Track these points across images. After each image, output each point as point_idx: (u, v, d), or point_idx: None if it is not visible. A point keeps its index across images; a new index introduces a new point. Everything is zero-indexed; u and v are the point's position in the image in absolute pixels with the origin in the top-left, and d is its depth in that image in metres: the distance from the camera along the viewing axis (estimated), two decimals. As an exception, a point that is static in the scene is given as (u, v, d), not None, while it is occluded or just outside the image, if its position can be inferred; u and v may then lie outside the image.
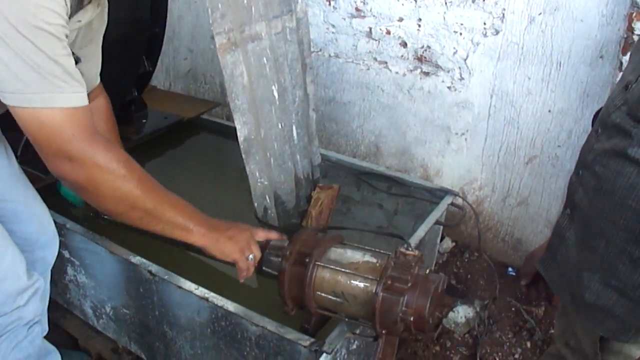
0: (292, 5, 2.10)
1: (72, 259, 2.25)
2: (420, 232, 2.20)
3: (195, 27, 3.79)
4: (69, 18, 1.40)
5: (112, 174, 1.39)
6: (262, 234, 1.74)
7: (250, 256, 1.67)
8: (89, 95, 1.82)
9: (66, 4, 1.30)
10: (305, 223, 2.21)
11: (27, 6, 1.21)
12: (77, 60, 1.62)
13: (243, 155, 1.91)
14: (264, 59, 1.94)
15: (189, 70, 4.00)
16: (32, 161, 2.09)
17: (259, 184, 1.99)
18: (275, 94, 2.00)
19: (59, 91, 1.30)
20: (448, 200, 2.47)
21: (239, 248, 1.64)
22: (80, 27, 1.56)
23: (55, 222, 2.10)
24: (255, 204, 2.03)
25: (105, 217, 2.10)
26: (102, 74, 1.95)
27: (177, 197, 1.56)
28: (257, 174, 1.97)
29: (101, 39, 1.83)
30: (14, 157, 1.99)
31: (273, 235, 1.78)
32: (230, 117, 3.76)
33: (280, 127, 2.04)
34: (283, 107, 2.05)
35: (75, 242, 2.19)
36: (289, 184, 2.14)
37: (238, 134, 1.88)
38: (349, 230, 2.04)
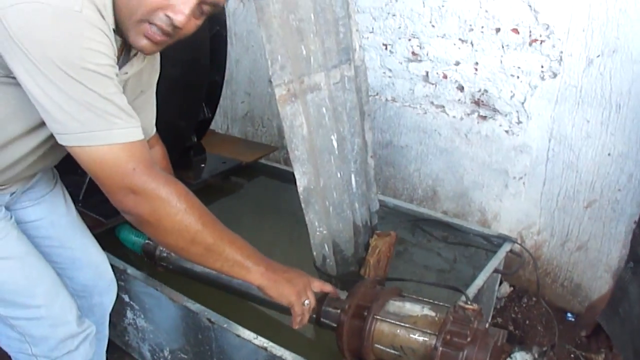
0: (351, 53, 2.11)
1: (131, 303, 2.28)
2: (479, 281, 2.18)
3: (252, 71, 3.84)
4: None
5: (173, 207, 1.39)
6: (317, 284, 1.72)
7: (307, 302, 1.64)
8: None
9: (113, 45, 1.32)
10: (363, 271, 2.19)
11: (74, 49, 1.22)
12: None
13: (302, 205, 1.92)
14: (323, 109, 1.95)
15: (247, 113, 4.04)
16: (94, 205, 2.13)
17: (318, 233, 1.98)
18: (335, 143, 2.01)
19: (115, 127, 1.31)
20: (507, 247, 2.44)
21: (296, 291, 1.62)
22: (127, 79, 1.58)
23: (115, 267, 2.14)
24: (314, 253, 2.03)
25: (163, 264, 2.13)
26: (162, 121, 1.97)
27: (237, 235, 1.55)
28: (317, 223, 1.96)
29: (154, 88, 1.86)
30: (72, 204, 2.02)
31: (328, 288, 1.76)
32: (287, 161, 3.83)
33: (339, 176, 2.04)
34: (342, 156, 2.05)
35: (135, 287, 2.22)
36: (348, 232, 2.14)
37: (297, 184, 1.88)
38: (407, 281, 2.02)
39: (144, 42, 1.38)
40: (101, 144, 1.30)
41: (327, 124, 1.97)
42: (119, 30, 1.39)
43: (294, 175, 2.80)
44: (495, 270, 2.32)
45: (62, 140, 1.31)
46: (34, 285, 1.72)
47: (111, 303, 2.13)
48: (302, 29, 1.86)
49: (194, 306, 1.96)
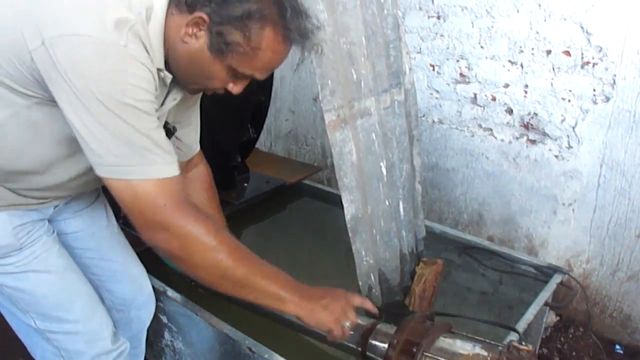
0: (401, 77, 2.06)
1: (169, 324, 2.26)
2: (529, 315, 2.12)
3: (297, 89, 3.82)
4: (163, 97, 1.49)
5: (203, 245, 1.40)
6: (358, 300, 1.69)
7: (347, 324, 1.62)
8: (189, 162, 1.91)
9: (155, 79, 1.34)
10: (408, 301, 2.14)
11: (116, 84, 1.24)
12: (173, 130, 1.68)
13: (350, 234, 1.87)
14: (373, 134, 1.90)
15: (290, 131, 4.03)
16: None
17: (365, 262, 1.93)
18: (384, 170, 1.96)
19: (151, 163, 1.32)
20: (557, 279, 2.37)
21: (334, 318, 1.59)
22: (174, 105, 1.60)
23: (155, 289, 2.13)
24: (360, 283, 1.98)
25: (205, 285, 2.10)
26: (207, 141, 1.97)
27: (271, 266, 1.54)
28: (363, 252, 1.92)
29: (198, 104, 1.87)
30: (113, 218, 2.04)
31: (368, 305, 1.73)
32: (330, 181, 3.81)
33: (387, 203, 1.99)
34: (390, 182, 2.00)
35: (174, 309, 2.19)
36: (394, 261, 2.08)
37: (345, 212, 1.84)
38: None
39: (196, 92, 1.55)
40: (135, 178, 1.32)
41: (376, 150, 1.92)
42: (169, 67, 1.42)
43: (338, 197, 2.76)
44: (545, 303, 2.25)
45: (98, 171, 1.33)
46: (72, 300, 1.75)
47: (149, 318, 2.14)
48: (353, 52, 1.82)
49: (235, 334, 1.93)
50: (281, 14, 1.33)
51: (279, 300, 1.53)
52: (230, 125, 2.67)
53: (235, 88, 1.45)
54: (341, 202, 2.95)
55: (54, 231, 1.77)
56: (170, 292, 2.14)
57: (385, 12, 1.98)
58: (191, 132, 1.89)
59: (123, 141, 1.28)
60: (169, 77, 1.42)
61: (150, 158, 1.32)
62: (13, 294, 1.68)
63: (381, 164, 1.95)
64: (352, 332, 1.65)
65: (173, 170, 1.38)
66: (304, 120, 3.96)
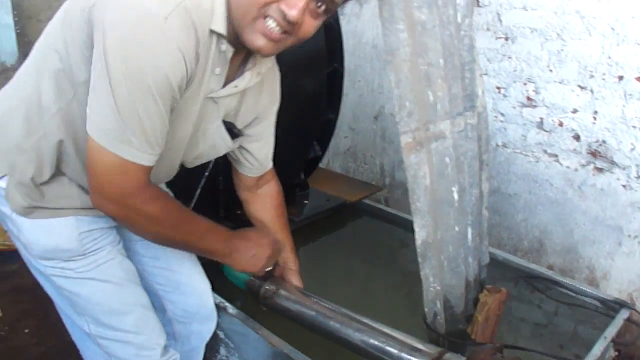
0: (474, 100, 2.01)
1: (226, 340, 2.23)
2: (596, 351, 2.04)
3: (357, 106, 3.80)
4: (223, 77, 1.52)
5: (143, 221, 1.52)
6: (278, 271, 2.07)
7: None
8: (260, 178, 1.95)
9: (185, 62, 1.33)
10: (471, 330, 2.08)
11: (138, 58, 1.27)
12: (238, 133, 1.73)
13: (419, 259, 1.83)
14: (447, 158, 1.85)
15: (349, 148, 4.01)
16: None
17: (432, 289, 1.89)
18: (455, 195, 1.91)
19: (127, 144, 1.36)
20: (624, 314, 2.29)
21: (253, 264, 1.88)
22: (237, 94, 1.61)
23: (215, 304, 2.11)
24: (426, 309, 1.93)
25: (267, 303, 2.08)
26: (273, 157, 1.97)
27: (208, 226, 1.71)
28: (431, 278, 1.87)
29: (273, 119, 1.86)
30: None
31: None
32: (388, 201, 3.78)
33: (456, 229, 1.94)
34: (461, 208, 1.95)
35: (233, 326, 2.16)
36: (460, 288, 2.03)
37: (416, 236, 1.79)
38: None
39: (261, 42, 1.37)
40: (109, 149, 1.36)
41: (449, 175, 1.87)
42: (234, 40, 1.41)
43: (397, 218, 2.73)
44: (612, 340, 2.18)
45: (88, 125, 1.37)
46: (126, 311, 1.77)
47: (209, 333, 2.13)
48: (430, 73, 1.78)
49: (296, 354, 1.89)
50: None
51: (212, 255, 1.78)
52: (298, 142, 2.67)
53: (291, 2, 1.31)
54: (400, 223, 2.94)
55: (119, 241, 1.79)
56: (231, 309, 2.12)
57: (462, 32, 1.93)
58: (263, 148, 1.89)
59: (117, 111, 1.31)
60: (230, 50, 1.43)
61: (129, 140, 1.35)
62: (71, 297, 1.71)
63: (453, 188, 1.90)
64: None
65: (144, 159, 1.41)
66: (363, 138, 3.94)
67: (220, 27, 1.37)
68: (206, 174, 2.22)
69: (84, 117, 1.41)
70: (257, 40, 1.36)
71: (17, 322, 2.97)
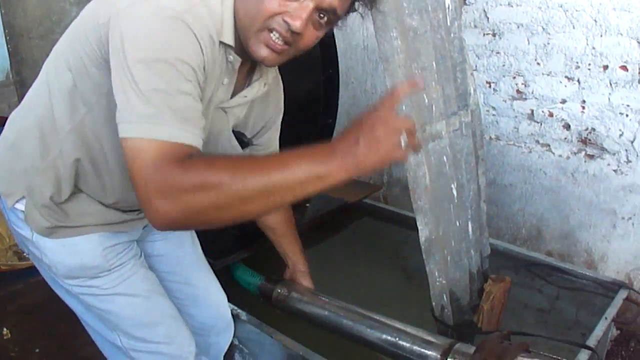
0: (467, 99, 2.09)
1: (241, 346, 2.27)
2: (598, 332, 2.12)
3: (351, 107, 3.85)
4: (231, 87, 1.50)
5: (202, 188, 1.15)
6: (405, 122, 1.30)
7: (402, 141, 1.24)
8: None
9: (202, 54, 1.28)
10: (477, 318, 2.15)
11: (160, 40, 1.21)
12: (248, 142, 1.73)
13: (424, 255, 1.90)
14: (444, 157, 1.93)
15: (345, 149, 4.04)
16: (203, 246, 2.14)
17: (438, 283, 1.96)
18: (454, 191, 1.99)
19: (163, 124, 1.18)
20: (622, 294, 2.36)
21: (386, 149, 1.23)
22: (246, 104, 1.62)
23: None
24: (433, 303, 2.00)
25: (280, 306, 2.13)
26: None
27: (278, 155, 1.49)
28: (436, 273, 1.94)
29: (278, 129, 1.89)
30: (198, 243, 2.07)
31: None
32: (387, 199, 3.83)
33: (457, 224, 2.02)
34: (460, 203, 2.03)
35: (247, 333, 2.21)
36: (464, 281, 2.11)
37: (420, 234, 1.86)
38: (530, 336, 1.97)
39: (265, 52, 1.38)
40: (145, 137, 1.17)
41: (447, 172, 1.95)
42: (241, 51, 1.43)
43: (397, 215, 2.78)
44: (612, 320, 2.25)
45: (119, 128, 1.21)
46: (156, 322, 1.78)
47: (227, 344, 2.16)
48: (424, 77, 1.86)
49: (313, 356, 1.94)
50: None
51: (318, 179, 1.20)
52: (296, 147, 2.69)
53: (294, 14, 1.31)
54: (400, 220, 3.01)
55: (141, 255, 1.81)
56: (245, 316, 2.16)
57: (452, 35, 2.01)
58: None
59: (146, 95, 1.18)
60: (237, 60, 1.44)
61: (164, 119, 1.19)
62: (101, 314, 1.72)
63: (452, 185, 1.98)
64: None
65: (188, 138, 1.21)
66: (358, 139, 3.95)
67: (229, 38, 1.39)
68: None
69: (97, 133, 1.45)
70: (261, 51, 1.38)
71: (26, 342, 2.95)
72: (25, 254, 1.76)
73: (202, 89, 1.33)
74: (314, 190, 1.20)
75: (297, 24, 1.32)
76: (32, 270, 2.23)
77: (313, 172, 1.19)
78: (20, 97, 2.47)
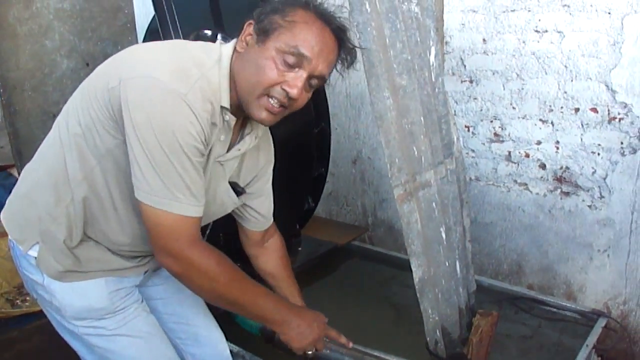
0: (452, 147, 2.25)
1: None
2: (580, 358, 2.28)
3: (336, 152, 3.91)
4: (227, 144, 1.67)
5: (201, 275, 1.57)
6: (333, 333, 1.93)
7: (310, 352, 1.88)
8: (265, 232, 2.06)
9: (204, 131, 1.50)
10: (467, 351, 2.28)
11: (170, 124, 1.43)
12: (242, 191, 1.86)
13: (418, 295, 2.03)
14: (433, 203, 2.08)
15: (331, 192, 4.16)
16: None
17: (431, 319, 2.09)
18: (443, 234, 2.13)
19: (176, 200, 1.48)
20: (602, 323, 2.52)
21: (308, 342, 1.83)
22: (239, 156, 1.77)
23: (232, 352, 2.20)
24: (428, 338, 2.14)
25: (282, 347, 2.23)
26: (273, 214, 2.08)
27: (265, 293, 1.75)
28: (430, 310, 2.07)
29: (269, 177, 2.00)
30: None
31: (342, 339, 1.95)
32: (372, 239, 3.93)
33: (447, 264, 2.16)
34: (449, 245, 2.18)
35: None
36: (454, 316, 2.24)
37: (414, 275, 2.00)
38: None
39: (264, 114, 1.58)
40: (160, 208, 1.48)
41: (436, 217, 2.10)
42: (235, 110, 1.61)
43: (384, 256, 2.90)
44: (594, 347, 2.39)
45: (136, 193, 1.50)
46: None
47: None
48: (414, 131, 2.01)
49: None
50: (310, 3, 1.56)
51: (268, 321, 1.77)
52: (293, 197, 2.85)
53: (292, 83, 1.53)
54: (386, 260, 3.13)
55: (142, 300, 1.91)
56: (249, 357, 2.27)
57: (437, 90, 2.18)
58: (264, 202, 2.01)
59: (160, 175, 1.45)
60: (232, 119, 1.61)
61: (178, 197, 1.49)
62: (104, 354, 1.82)
63: (441, 229, 2.13)
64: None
65: (193, 211, 1.54)
66: (343, 182, 4.10)
67: (226, 101, 1.57)
68: (207, 232, 2.39)
69: (106, 182, 1.60)
70: (260, 114, 1.58)
71: (27, 387, 2.94)
72: (33, 298, 1.84)
73: (205, 155, 1.57)
74: (263, 321, 1.80)
75: (294, 92, 1.53)
76: (27, 318, 2.43)
77: (270, 315, 1.74)
78: (15, 148, 2.59)
